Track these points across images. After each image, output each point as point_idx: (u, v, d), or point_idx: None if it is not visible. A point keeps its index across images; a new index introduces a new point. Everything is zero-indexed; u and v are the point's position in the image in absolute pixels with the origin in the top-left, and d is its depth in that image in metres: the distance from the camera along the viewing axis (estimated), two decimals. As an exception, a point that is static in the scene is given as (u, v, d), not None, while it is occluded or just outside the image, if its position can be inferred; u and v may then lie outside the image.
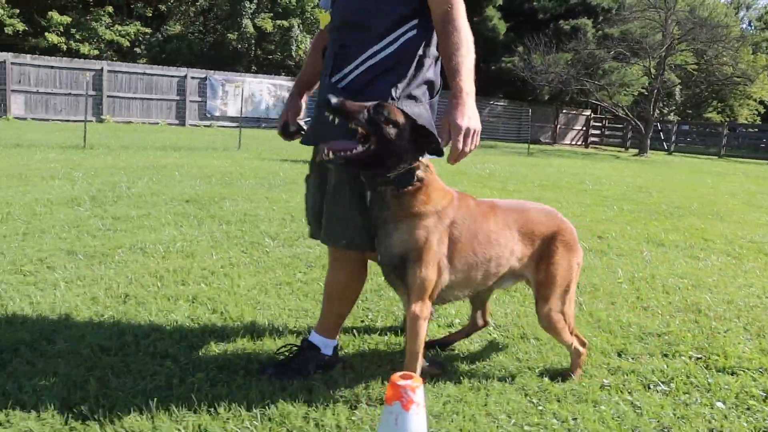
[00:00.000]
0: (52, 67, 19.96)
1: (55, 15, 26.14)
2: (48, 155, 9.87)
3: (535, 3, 28.60)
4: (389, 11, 2.22)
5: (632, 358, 2.88)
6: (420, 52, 2.27)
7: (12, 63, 18.99)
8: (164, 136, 16.27)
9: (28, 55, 19.65)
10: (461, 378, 2.54)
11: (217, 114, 23.30)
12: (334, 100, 1.98)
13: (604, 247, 5.33)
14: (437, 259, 2.18)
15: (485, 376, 2.59)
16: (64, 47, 26.30)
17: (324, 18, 2.35)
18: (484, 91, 29.72)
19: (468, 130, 1.98)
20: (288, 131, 2.63)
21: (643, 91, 28.69)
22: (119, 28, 27.99)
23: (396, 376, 1.55)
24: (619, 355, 2.92)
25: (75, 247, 4.20)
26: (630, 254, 5.12)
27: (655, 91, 26.00)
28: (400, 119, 2.05)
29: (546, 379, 2.58)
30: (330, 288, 2.48)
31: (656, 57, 25.83)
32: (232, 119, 22.72)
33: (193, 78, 22.59)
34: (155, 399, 2.17)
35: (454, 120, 1.99)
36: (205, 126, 22.85)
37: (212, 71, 23.55)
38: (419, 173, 2.14)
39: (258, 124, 23.94)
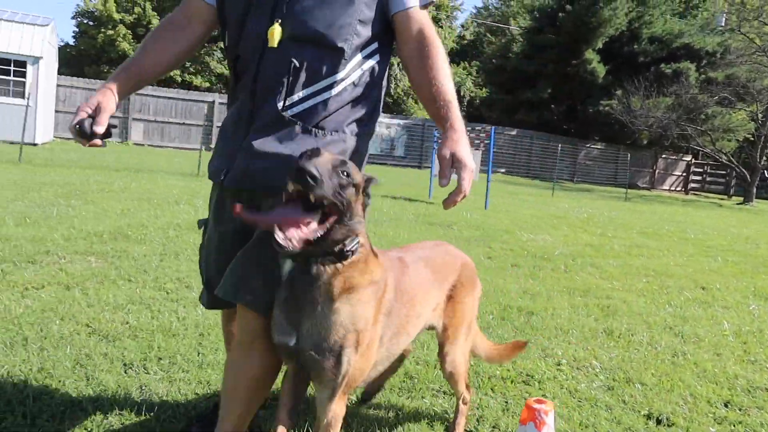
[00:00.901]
0: (169, 98, 21.56)
1: (173, 50, 28.25)
2: (168, 181, 10.71)
3: (635, 46, 28.21)
4: (360, 30, 1.84)
5: (740, 410, 2.95)
6: (383, 83, 2.01)
7: (135, 94, 20.67)
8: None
9: (149, 87, 21.31)
10: (571, 414, 2.71)
11: (316, 146, 24.24)
12: (314, 171, 1.49)
13: (708, 298, 5.31)
14: (376, 340, 1.79)
15: (593, 415, 2.75)
16: (179, 79, 28.35)
17: (276, 32, 1.78)
18: (580, 134, 29.47)
19: (473, 168, 1.71)
20: (85, 132, 1.78)
21: (749, 137, 27.56)
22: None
23: (531, 400, 1.76)
24: (726, 406, 3.00)
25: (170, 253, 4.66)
26: (736, 307, 5.08)
27: (763, 137, 24.94)
28: (359, 179, 1.63)
29: (651, 423, 2.71)
30: (237, 381, 1.87)
31: (764, 102, 24.84)
32: (330, 152, 23.61)
33: (295, 112, 23.75)
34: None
35: (461, 158, 1.68)
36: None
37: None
38: (361, 239, 1.69)
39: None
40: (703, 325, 4.39)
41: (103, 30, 28.10)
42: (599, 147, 29.71)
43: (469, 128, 14.45)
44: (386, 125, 25.55)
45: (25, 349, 2.87)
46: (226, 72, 29.30)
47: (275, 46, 1.77)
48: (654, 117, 25.80)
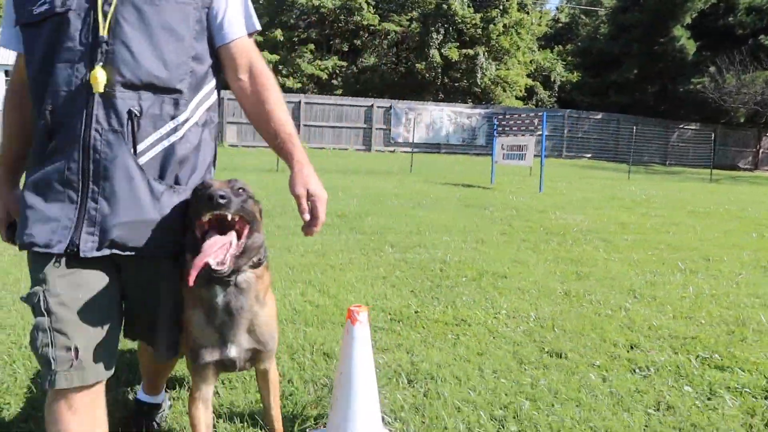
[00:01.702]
0: (260, 100, 23.19)
1: (266, 54, 30.02)
2: (246, 176, 11.93)
3: (730, 18, 26.92)
4: (195, 68, 1.78)
5: (639, 351, 3.47)
6: (217, 119, 1.96)
7: (228, 99, 22.41)
8: (349, 161, 18.22)
9: (241, 92, 23.05)
10: (480, 347, 3.37)
11: (400, 140, 25.13)
12: (223, 193, 1.63)
13: (701, 268, 5.63)
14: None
15: (496, 348, 3.39)
16: (274, 82, 30.07)
17: (99, 77, 1.63)
18: (672, 115, 28.52)
19: (326, 199, 1.78)
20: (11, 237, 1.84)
21: None
22: (319, 63, 31.29)
23: (351, 306, 2.42)
24: (631, 348, 3.51)
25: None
26: (724, 276, 5.38)
27: None
28: (251, 190, 1.83)
29: (546, 356, 3.31)
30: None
31: None
32: (414, 145, 24.42)
33: (378, 107, 24.69)
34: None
35: (316, 192, 1.75)
36: (389, 152, 24.76)
37: (396, 101, 25.50)
38: (265, 242, 1.91)
39: (438, 150, 25.37)
40: (667, 290, 4.81)
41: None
42: (693, 128, 28.61)
43: (524, 113, 14.76)
44: (467, 115, 26.02)
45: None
46: (317, 72, 30.85)
47: (101, 91, 1.64)
48: (749, 93, 24.60)
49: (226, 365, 1.93)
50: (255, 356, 1.97)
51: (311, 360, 3.12)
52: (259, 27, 1.91)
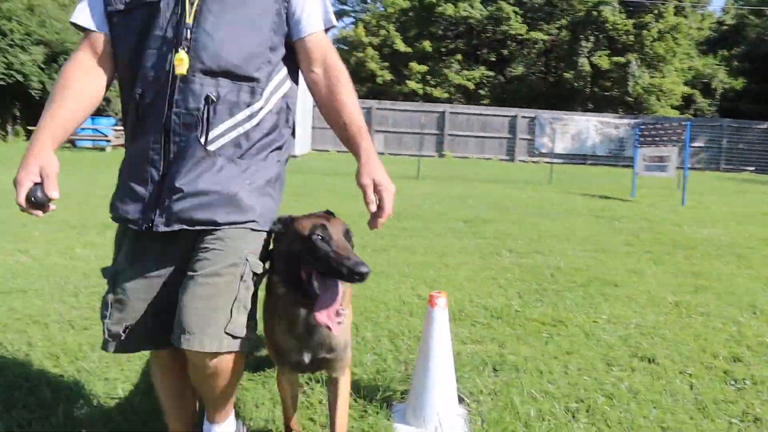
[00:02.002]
0: (405, 110, 23.94)
1: (414, 65, 30.91)
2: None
3: None
4: (271, 58, 1.86)
5: (743, 364, 3.43)
6: (293, 108, 2.00)
7: (376, 108, 23.42)
8: (490, 171, 18.36)
9: (388, 102, 23.94)
10: (571, 347, 3.52)
11: (544, 150, 24.78)
12: (365, 269, 1.65)
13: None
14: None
15: (587, 348, 3.51)
16: (421, 92, 30.84)
17: (181, 61, 1.74)
18: None
19: (393, 190, 1.79)
20: (39, 201, 1.67)
21: None
22: (466, 73, 31.62)
23: (433, 292, 2.70)
24: (734, 361, 3.48)
25: (364, 241, 6.08)
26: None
27: None
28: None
29: (636, 360, 3.38)
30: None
31: None
32: (558, 156, 23.99)
33: (523, 117, 24.55)
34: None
35: (383, 181, 1.76)
36: (532, 162, 24.52)
37: (541, 111, 25.19)
38: None
39: (583, 161, 24.71)
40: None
41: (354, 53, 31.81)
42: None
43: (666, 123, 14.02)
44: (615, 125, 25.07)
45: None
46: (464, 82, 31.19)
47: (184, 73, 1.74)
48: None
49: (302, 367, 2.01)
50: (328, 363, 2.03)
51: (408, 344, 3.45)
52: (335, 23, 1.96)
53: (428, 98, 30.12)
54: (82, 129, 18.63)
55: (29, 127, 19.68)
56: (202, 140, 1.77)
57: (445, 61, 32.01)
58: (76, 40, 19.68)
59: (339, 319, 1.74)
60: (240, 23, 1.79)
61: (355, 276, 1.65)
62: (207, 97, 1.77)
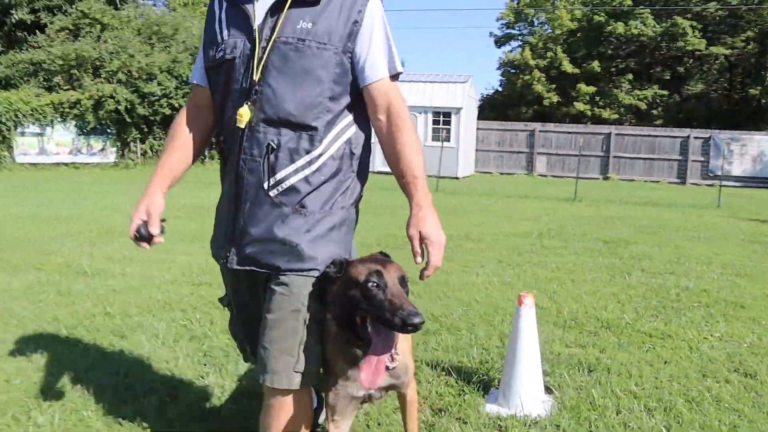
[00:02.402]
0: (568, 132, 23.72)
1: (582, 86, 30.43)
2: (542, 204, 12.81)
3: None
4: (331, 107, 1.95)
5: None
6: (360, 152, 2.05)
7: (539, 131, 23.51)
8: (655, 194, 17.70)
9: (551, 124, 23.89)
10: (662, 355, 3.76)
11: (719, 173, 23.15)
12: (420, 320, 1.67)
13: None
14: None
15: (684, 358, 3.73)
16: (589, 113, 30.27)
17: (244, 114, 1.92)
18: None
19: (441, 243, 1.85)
20: (143, 236, 2.02)
21: None
22: (638, 92, 30.50)
23: (522, 293, 3.15)
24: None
25: (500, 256, 6.55)
26: None
27: None
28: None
29: (738, 375, 3.55)
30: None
31: None
32: (737, 179, 22.36)
33: (695, 138, 23.20)
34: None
35: (429, 234, 1.84)
36: (706, 185, 23.04)
37: (717, 131, 23.63)
38: None
39: (765, 185, 22.77)
40: None
41: (521, 76, 32.01)
42: None
43: None
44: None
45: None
46: (635, 102, 30.10)
47: (242, 127, 1.91)
48: None
49: (365, 400, 2.05)
50: (391, 388, 2.09)
51: (513, 344, 3.92)
52: (400, 69, 2.01)
53: (596, 119, 29.47)
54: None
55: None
56: (266, 185, 1.92)
57: (615, 81, 31.15)
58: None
59: (393, 364, 1.78)
60: (299, 76, 1.90)
61: (408, 327, 1.67)
62: (268, 145, 1.92)
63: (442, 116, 20.47)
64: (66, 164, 19.38)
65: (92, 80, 19.51)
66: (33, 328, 4.01)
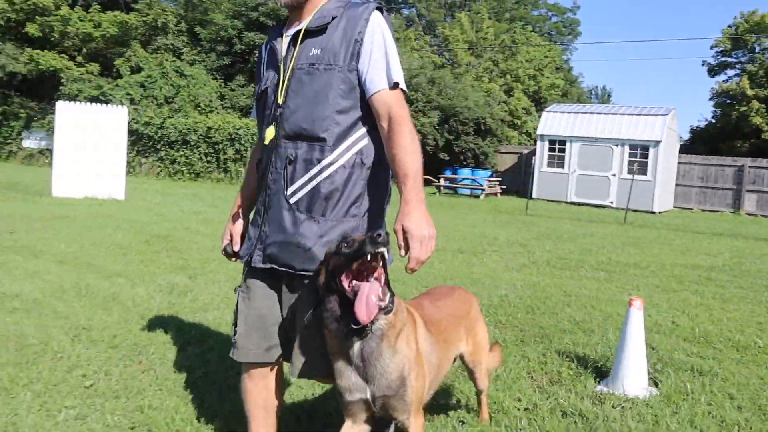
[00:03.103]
0: (785, 169, 21.97)
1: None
2: (733, 242, 12.45)
3: None
4: (339, 119, 2.16)
5: None
6: (372, 161, 2.23)
7: (750, 167, 22.08)
8: None
9: (764, 160, 22.25)
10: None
11: None
12: (380, 230, 1.90)
13: None
14: (423, 362, 2.21)
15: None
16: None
17: (270, 132, 2.23)
18: None
19: (423, 236, 1.93)
20: (229, 254, 2.53)
21: None
22: None
23: (632, 298, 3.87)
24: None
25: (661, 282, 7.01)
26: None
27: None
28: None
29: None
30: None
31: None
32: None
33: None
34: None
35: (409, 228, 1.94)
36: None
37: None
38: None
39: None
40: None
41: (737, 107, 29.94)
42: None
43: None
44: None
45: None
46: None
47: (267, 144, 2.25)
48: None
49: (364, 406, 2.13)
50: (390, 404, 2.10)
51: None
52: (397, 80, 2.15)
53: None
54: (464, 179, 22.15)
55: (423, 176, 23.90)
56: (286, 193, 2.20)
57: None
58: (465, 104, 23.53)
59: (383, 302, 1.93)
60: (309, 95, 2.17)
61: (375, 238, 1.86)
62: (287, 158, 2.20)
63: (639, 149, 20.26)
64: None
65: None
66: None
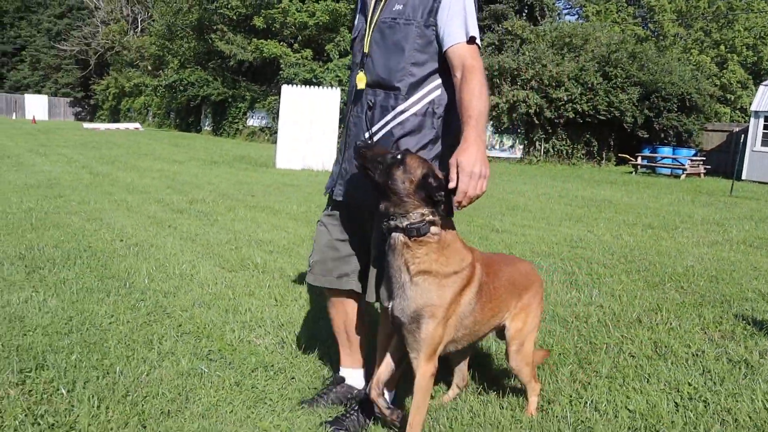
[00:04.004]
0: None
1: None
2: None
3: None
4: (414, 71, 2.30)
5: None
6: (444, 111, 2.36)
7: None
8: None
9: None
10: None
11: None
12: (359, 143, 2.18)
13: None
14: (449, 318, 2.16)
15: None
16: None
17: (360, 78, 2.39)
18: None
19: (473, 172, 1.98)
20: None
21: None
22: None
23: None
24: None
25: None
26: None
27: None
28: (417, 172, 2.06)
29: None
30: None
31: None
32: None
33: None
34: None
35: (462, 162, 2.00)
36: None
37: None
38: (434, 228, 2.09)
39: None
40: None
41: None
42: None
43: None
44: None
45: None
46: None
47: (361, 88, 2.39)
48: None
49: (394, 315, 2.20)
50: (403, 333, 2.16)
51: None
52: (473, 34, 2.25)
53: None
54: (663, 158, 21.15)
55: (620, 155, 23.32)
56: (366, 135, 2.39)
57: None
58: (668, 79, 22.37)
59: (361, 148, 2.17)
60: (389, 47, 2.34)
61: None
62: (367, 103, 2.39)
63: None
64: (481, 158, 22.98)
65: (509, 87, 22.71)
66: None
